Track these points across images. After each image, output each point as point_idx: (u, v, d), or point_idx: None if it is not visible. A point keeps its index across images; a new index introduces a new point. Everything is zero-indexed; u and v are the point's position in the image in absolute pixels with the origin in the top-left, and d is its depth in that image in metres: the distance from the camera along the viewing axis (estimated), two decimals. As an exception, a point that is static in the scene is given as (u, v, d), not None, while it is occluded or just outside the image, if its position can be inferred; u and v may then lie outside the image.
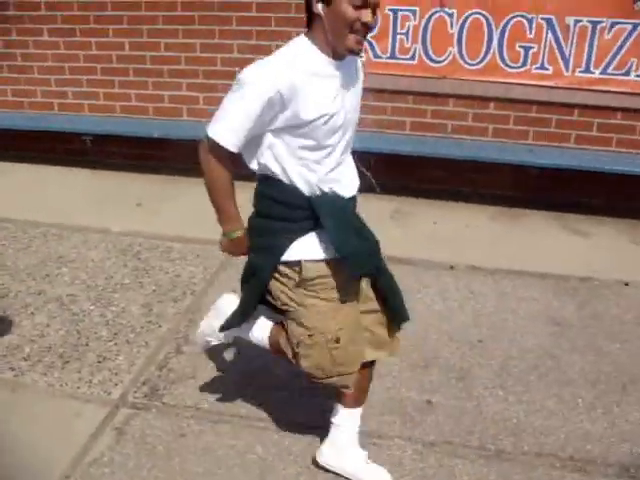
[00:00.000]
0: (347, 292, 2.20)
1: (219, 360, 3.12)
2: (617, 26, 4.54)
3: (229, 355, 3.16)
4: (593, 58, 4.66)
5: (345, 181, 2.17)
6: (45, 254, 4.10)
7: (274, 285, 2.20)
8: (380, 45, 4.87)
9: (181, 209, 4.77)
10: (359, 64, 2.20)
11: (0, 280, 3.78)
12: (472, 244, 4.36)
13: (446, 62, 4.83)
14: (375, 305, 2.30)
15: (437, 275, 3.94)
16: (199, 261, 4.04)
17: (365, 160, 4.79)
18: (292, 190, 2.07)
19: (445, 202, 5.00)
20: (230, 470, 2.50)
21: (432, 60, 4.84)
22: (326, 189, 2.10)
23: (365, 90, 2.25)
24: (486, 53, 4.76)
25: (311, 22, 1.99)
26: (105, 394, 2.88)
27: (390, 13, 4.78)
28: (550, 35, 4.66)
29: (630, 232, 4.62)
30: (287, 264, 2.14)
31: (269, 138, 2.02)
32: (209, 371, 3.05)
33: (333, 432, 2.46)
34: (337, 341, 2.18)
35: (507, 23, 4.68)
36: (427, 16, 4.72)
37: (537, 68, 4.76)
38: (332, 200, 2.11)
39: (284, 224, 2.13)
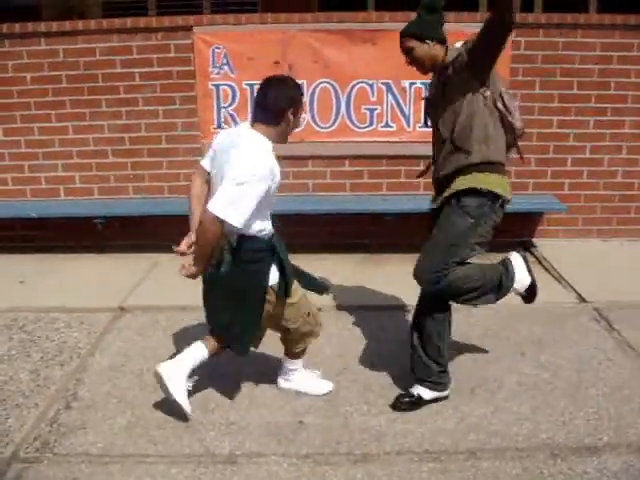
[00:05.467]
0: None
1: (106, 410, 3.33)
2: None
3: (115, 404, 3.38)
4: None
5: None
6: None
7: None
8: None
9: (61, 283, 4.95)
10: None
11: None
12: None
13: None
14: None
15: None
16: (83, 327, 4.24)
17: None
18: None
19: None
20: (122, 502, 2.72)
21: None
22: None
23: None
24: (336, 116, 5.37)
25: (272, 121, 2.88)
26: (-4, 455, 3.01)
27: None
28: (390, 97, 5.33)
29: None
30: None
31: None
32: (98, 421, 3.25)
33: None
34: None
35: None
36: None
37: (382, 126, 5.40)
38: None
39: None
